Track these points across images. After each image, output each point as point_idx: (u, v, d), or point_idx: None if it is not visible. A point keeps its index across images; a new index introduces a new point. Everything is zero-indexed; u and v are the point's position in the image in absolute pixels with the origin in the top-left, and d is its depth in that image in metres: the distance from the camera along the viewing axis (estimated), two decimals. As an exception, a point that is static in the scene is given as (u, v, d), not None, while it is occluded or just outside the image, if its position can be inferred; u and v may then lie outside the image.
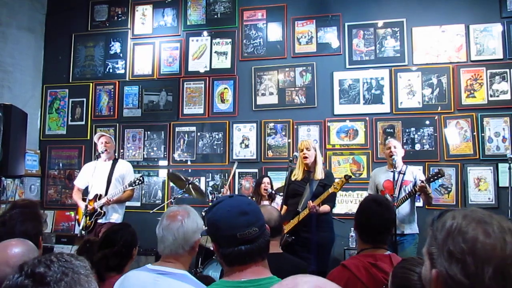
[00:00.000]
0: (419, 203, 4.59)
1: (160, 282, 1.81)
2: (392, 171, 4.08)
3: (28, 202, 2.39)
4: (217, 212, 1.46)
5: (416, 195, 4.19)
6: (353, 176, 5.06)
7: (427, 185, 3.90)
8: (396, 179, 4.05)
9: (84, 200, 4.64)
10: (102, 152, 4.70)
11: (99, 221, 4.54)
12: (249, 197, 1.64)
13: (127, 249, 2.40)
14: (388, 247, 2.21)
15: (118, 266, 2.37)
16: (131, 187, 4.61)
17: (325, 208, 3.84)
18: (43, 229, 2.22)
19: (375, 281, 1.99)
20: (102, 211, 4.53)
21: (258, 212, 1.48)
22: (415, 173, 4.21)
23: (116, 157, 4.98)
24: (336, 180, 3.81)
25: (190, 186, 4.72)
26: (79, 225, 4.55)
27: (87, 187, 4.81)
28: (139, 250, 5.16)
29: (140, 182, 4.57)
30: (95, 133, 5.76)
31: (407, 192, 4.03)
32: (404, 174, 4.11)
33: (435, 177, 3.93)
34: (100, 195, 4.57)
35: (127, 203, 4.90)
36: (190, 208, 2.01)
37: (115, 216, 4.61)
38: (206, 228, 1.57)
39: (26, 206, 2.28)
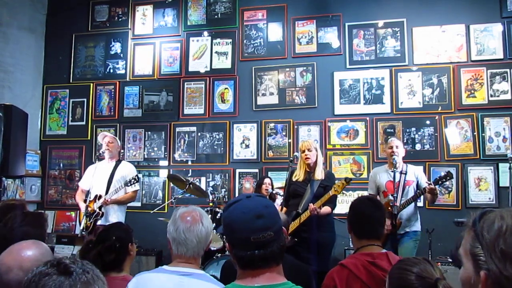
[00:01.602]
0: (420, 203, 4.59)
1: (185, 283, 1.80)
2: (393, 171, 4.06)
3: (22, 204, 2.38)
4: (233, 212, 1.41)
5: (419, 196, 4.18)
6: (352, 176, 5.06)
7: (436, 186, 3.88)
8: (398, 179, 4.04)
9: (85, 201, 4.62)
10: (103, 152, 4.68)
11: (98, 222, 4.46)
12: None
13: (121, 244, 2.34)
14: (388, 247, 2.24)
15: (115, 262, 2.32)
16: (127, 187, 4.55)
17: (326, 210, 3.83)
18: (45, 233, 2.20)
19: (375, 279, 2.00)
20: (101, 212, 4.47)
21: (275, 216, 1.42)
22: (416, 173, 4.18)
23: (120, 158, 4.95)
24: (337, 183, 3.79)
25: (191, 186, 4.72)
26: (80, 225, 4.54)
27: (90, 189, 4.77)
28: (139, 250, 5.17)
29: (135, 181, 4.51)
30: (96, 133, 5.77)
31: (413, 193, 4.02)
32: (405, 174, 4.10)
33: (444, 179, 3.89)
34: (100, 196, 4.52)
35: (128, 204, 4.87)
36: (199, 208, 2.01)
37: (114, 218, 4.50)
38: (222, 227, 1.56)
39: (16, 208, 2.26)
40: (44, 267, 1.13)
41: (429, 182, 3.92)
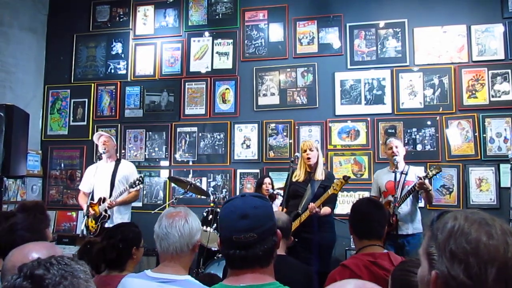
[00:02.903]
0: (421, 204, 4.59)
1: None
2: (394, 172, 4.07)
3: (34, 205, 2.37)
4: (223, 210, 1.43)
5: (419, 196, 4.18)
6: (353, 176, 5.06)
7: (425, 181, 3.88)
8: (398, 179, 4.04)
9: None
10: (103, 153, 4.67)
11: (105, 225, 4.44)
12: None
13: (125, 245, 2.35)
14: (387, 247, 2.25)
15: (117, 262, 2.33)
16: (132, 189, 4.52)
17: (326, 210, 3.83)
18: (48, 234, 2.20)
19: (376, 278, 2.01)
20: (107, 215, 4.45)
21: (262, 217, 1.38)
22: (417, 174, 4.20)
23: (119, 158, 4.94)
24: (335, 181, 3.79)
25: (192, 186, 4.71)
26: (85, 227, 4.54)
27: (92, 190, 4.74)
28: (140, 250, 5.13)
29: (139, 183, 4.48)
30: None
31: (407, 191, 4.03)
32: (406, 174, 4.10)
33: (433, 173, 3.92)
34: (104, 198, 4.51)
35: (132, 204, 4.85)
36: (188, 208, 2.00)
37: (119, 219, 4.48)
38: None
39: (31, 209, 2.26)
40: (18, 279, 1.05)
41: (419, 177, 3.93)
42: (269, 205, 1.46)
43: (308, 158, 3.99)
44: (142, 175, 4.70)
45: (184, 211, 1.93)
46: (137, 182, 4.46)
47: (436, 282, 0.90)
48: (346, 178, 3.73)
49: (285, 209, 4.04)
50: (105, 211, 4.45)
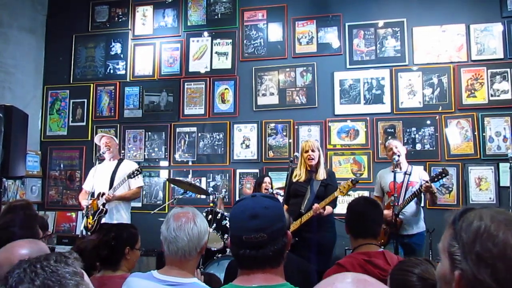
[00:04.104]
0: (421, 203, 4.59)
1: None
2: (393, 172, 4.05)
3: (25, 204, 2.38)
4: (234, 210, 1.43)
5: (422, 196, 4.18)
6: (354, 177, 5.05)
7: (432, 184, 3.88)
8: (402, 180, 4.04)
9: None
10: (104, 152, 4.68)
11: (102, 220, 4.41)
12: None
13: (118, 243, 2.33)
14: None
15: (110, 260, 2.32)
16: (130, 179, 4.47)
17: (329, 210, 3.84)
18: (39, 231, 2.21)
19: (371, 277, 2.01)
20: (104, 209, 4.40)
21: (272, 218, 1.37)
22: (421, 175, 4.16)
23: (122, 157, 4.95)
24: (342, 184, 3.77)
25: (191, 186, 4.72)
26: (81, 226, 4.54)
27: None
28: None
29: (138, 173, 4.43)
30: (96, 134, 5.77)
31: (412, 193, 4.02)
32: (410, 174, 4.09)
33: (439, 177, 3.89)
34: (103, 193, 4.48)
35: (132, 203, 4.84)
36: (195, 209, 1.97)
37: (119, 216, 4.50)
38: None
39: (22, 208, 2.27)
40: None
41: (425, 180, 3.92)
42: (279, 205, 1.45)
43: (310, 159, 3.97)
44: (140, 165, 4.65)
45: (192, 212, 1.90)
46: (135, 172, 4.42)
47: (460, 283, 0.87)
48: (354, 182, 3.66)
49: (285, 206, 4.05)
50: (103, 204, 4.41)
